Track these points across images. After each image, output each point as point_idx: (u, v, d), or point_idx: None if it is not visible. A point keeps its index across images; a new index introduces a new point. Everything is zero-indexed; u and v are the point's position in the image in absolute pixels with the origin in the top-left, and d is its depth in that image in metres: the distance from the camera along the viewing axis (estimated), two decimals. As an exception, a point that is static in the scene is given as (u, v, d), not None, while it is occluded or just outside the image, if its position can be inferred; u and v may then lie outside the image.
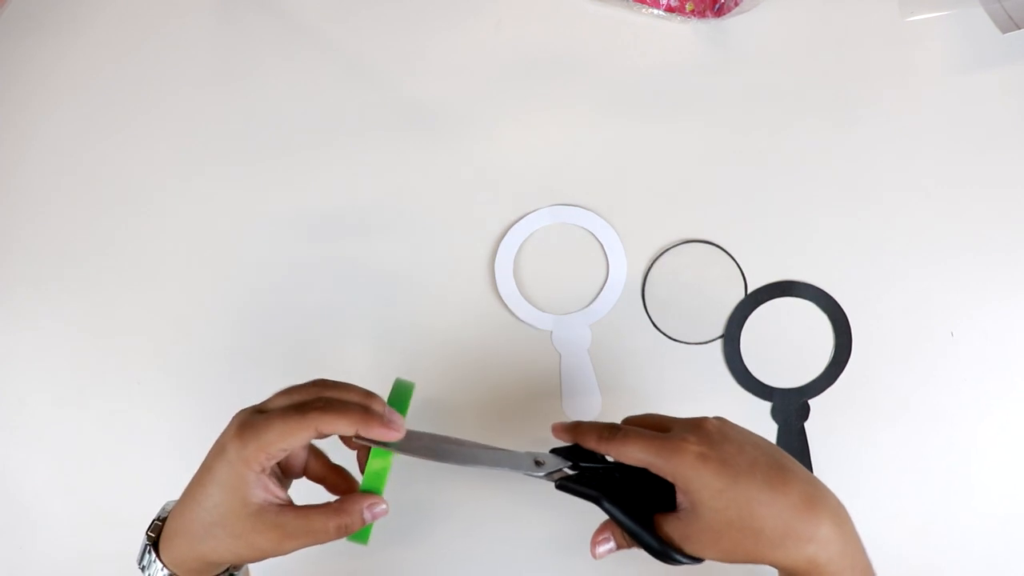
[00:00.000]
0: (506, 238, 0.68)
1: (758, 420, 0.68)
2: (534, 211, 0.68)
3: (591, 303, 0.69)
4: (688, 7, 0.68)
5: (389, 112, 0.69)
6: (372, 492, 0.51)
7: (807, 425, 0.68)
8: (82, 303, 0.69)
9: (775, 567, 0.49)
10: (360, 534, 0.50)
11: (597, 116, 0.69)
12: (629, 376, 0.68)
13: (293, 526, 0.49)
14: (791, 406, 0.68)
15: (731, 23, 0.69)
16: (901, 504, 0.68)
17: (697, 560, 0.50)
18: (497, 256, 0.68)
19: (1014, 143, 0.68)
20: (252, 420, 0.49)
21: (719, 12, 0.68)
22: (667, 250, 0.69)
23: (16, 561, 0.69)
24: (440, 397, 0.68)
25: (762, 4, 0.68)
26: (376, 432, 0.49)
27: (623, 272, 0.68)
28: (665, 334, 0.68)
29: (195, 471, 0.50)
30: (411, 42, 0.70)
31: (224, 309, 0.68)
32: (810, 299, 0.68)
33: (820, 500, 0.49)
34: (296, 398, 0.50)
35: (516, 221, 0.68)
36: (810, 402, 0.68)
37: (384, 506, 0.51)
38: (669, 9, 0.68)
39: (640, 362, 0.69)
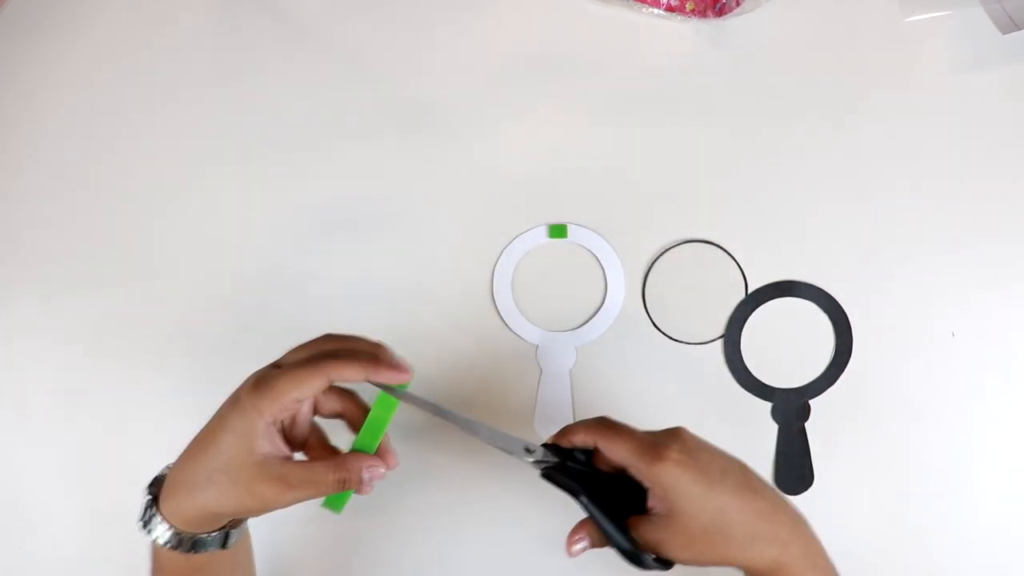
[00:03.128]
0: (509, 247, 0.68)
1: (758, 420, 0.68)
2: (537, 226, 0.68)
3: (581, 326, 0.69)
4: (688, 7, 0.68)
5: (389, 112, 0.69)
6: (367, 447, 0.52)
7: (807, 425, 0.68)
8: (82, 303, 0.69)
9: (742, 568, 0.52)
10: (336, 500, 0.52)
11: (597, 115, 0.69)
12: (625, 381, 0.68)
13: (296, 477, 0.51)
14: (791, 406, 0.68)
15: (732, 23, 0.69)
16: (901, 504, 0.68)
17: (666, 565, 0.52)
18: (499, 262, 0.68)
19: (1014, 143, 0.68)
20: (267, 374, 0.51)
21: (720, 12, 0.68)
22: (667, 250, 0.69)
23: (16, 561, 0.69)
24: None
25: (763, 4, 0.68)
26: (385, 375, 0.52)
27: (619, 299, 0.68)
28: (665, 334, 0.68)
29: (198, 434, 0.52)
30: (411, 42, 0.70)
31: (224, 309, 0.68)
32: (810, 299, 0.68)
33: (781, 507, 0.53)
34: (307, 352, 0.52)
35: (519, 235, 0.68)
36: (810, 402, 0.68)
37: (382, 470, 0.52)
38: (669, 9, 0.68)
39: (637, 368, 0.69)
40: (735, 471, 0.53)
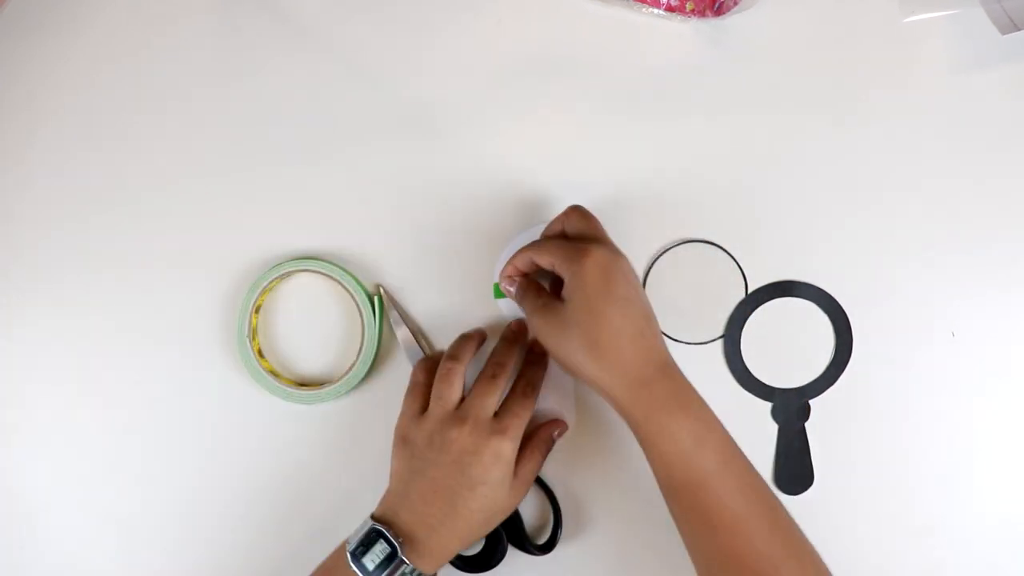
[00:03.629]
0: (509, 245, 0.68)
1: (758, 420, 0.68)
2: (536, 225, 0.68)
3: None
4: (688, 6, 0.68)
5: (389, 112, 0.69)
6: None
7: (807, 425, 0.68)
8: (82, 302, 0.69)
9: (598, 387, 0.57)
10: None
11: (597, 115, 0.69)
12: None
13: (529, 472, 0.62)
14: (791, 406, 0.68)
15: (732, 23, 0.69)
16: (901, 504, 0.68)
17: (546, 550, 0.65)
18: (499, 260, 0.68)
19: (1014, 143, 0.68)
20: (509, 422, 0.59)
21: (719, 11, 0.68)
22: (667, 250, 0.69)
23: (16, 561, 0.69)
24: None
25: (762, 2, 0.68)
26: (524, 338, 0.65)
27: None
28: (665, 334, 0.68)
29: (456, 499, 0.58)
30: (411, 42, 0.70)
31: (224, 309, 0.68)
32: (810, 299, 0.68)
33: (665, 349, 0.58)
34: (490, 385, 0.61)
35: (519, 233, 0.68)
36: (810, 402, 0.68)
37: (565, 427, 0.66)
38: (669, 9, 0.68)
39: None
40: (641, 305, 0.57)
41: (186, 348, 0.69)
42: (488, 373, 0.61)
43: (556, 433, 0.65)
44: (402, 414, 0.63)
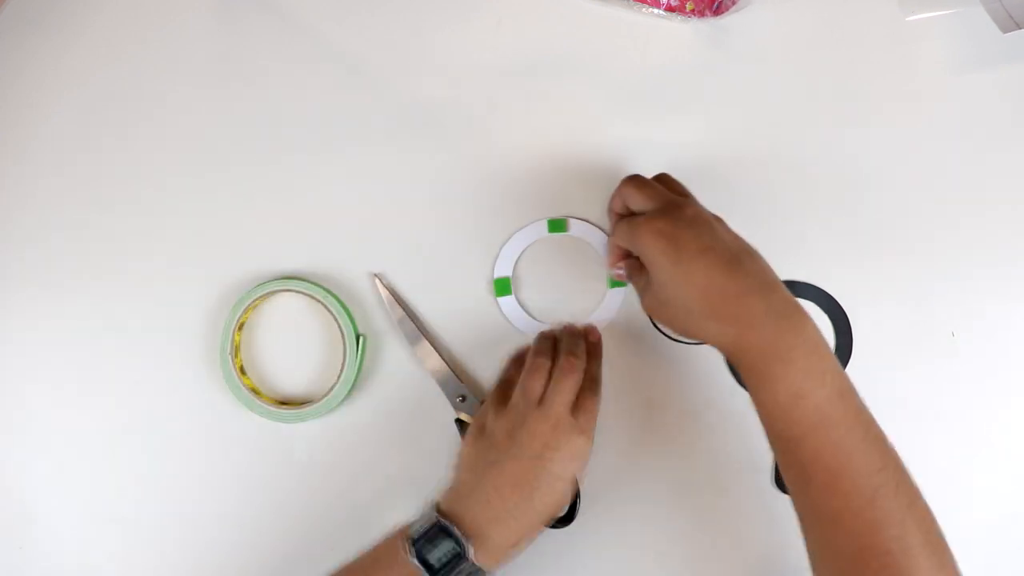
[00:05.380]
0: (510, 241, 0.68)
1: (758, 420, 0.68)
2: (537, 221, 0.68)
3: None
4: (688, 6, 0.68)
5: (389, 111, 0.69)
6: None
7: (807, 425, 0.68)
8: (82, 303, 0.69)
9: (709, 343, 0.56)
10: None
11: (597, 115, 0.69)
12: (626, 381, 0.68)
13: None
14: (791, 406, 0.68)
15: (732, 23, 0.69)
16: (901, 504, 0.68)
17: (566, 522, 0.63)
18: (499, 256, 0.68)
19: (1014, 143, 0.68)
20: (586, 420, 0.59)
21: (718, 11, 0.68)
22: (667, 250, 0.68)
23: (16, 561, 0.69)
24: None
25: (761, 2, 0.68)
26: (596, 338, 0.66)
27: (620, 295, 0.68)
28: (665, 334, 0.68)
29: (534, 494, 0.57)
30: (411, 42, 0.70)
31: (223, 309, 0.68)
32: (810, 299, 0.68)
33: (755, 291, 0.54)
34: (568, 380, 0.60)
35: (519, 229, 0.68)
36: (810, 402, 0.68)
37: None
38: (669, 8, 0.68)
39: (637, 367, 0.68)
40: (719, 250, 0.54)
41: (187, 347, 0.69)
42: (565, 367, 0.60)
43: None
44: (485, 405, 0.63)
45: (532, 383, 0.60)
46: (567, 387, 0.59)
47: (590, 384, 0.61)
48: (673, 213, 0.56)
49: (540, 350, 0.62)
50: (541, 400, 0.59)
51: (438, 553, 0.55)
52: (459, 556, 0.55)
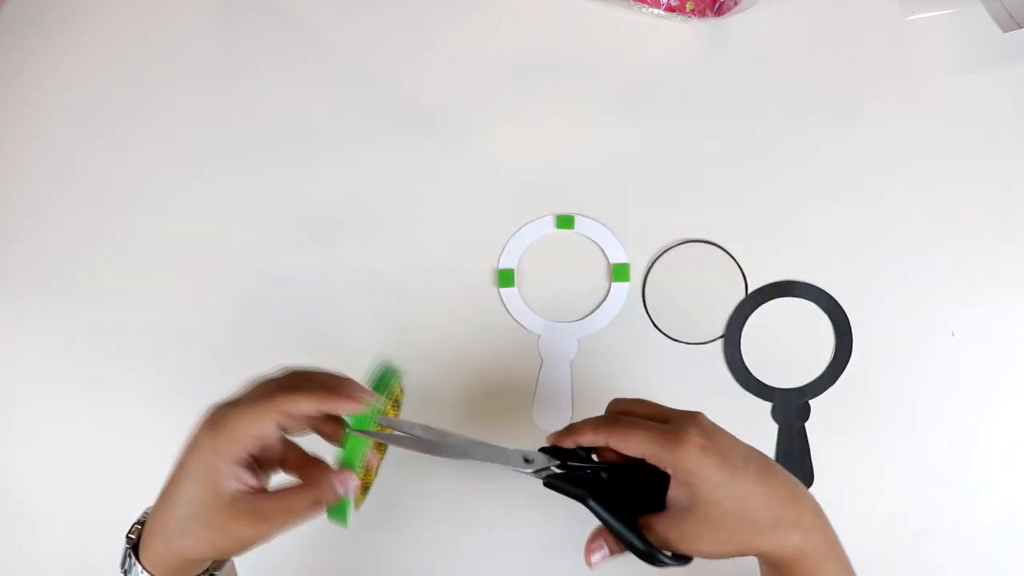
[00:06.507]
0: (516, 235, 0.68)
1: (758, 420, 0.68)
2: (544, 216, 0.68)
3: (584, 317, 0.68)
4: (688, 6, 0.68)
5: (390, 111, 0.69)
6: (349, 465, 0.51)
7: (807, 425, 0.68)
8: (82, 303, 0.69)
9: (765, 557, 0.51)
10: (338, 511, 0.51)
11: (597, 115, 0.69)
12: (626, 381, 0.68)
13: (269, 508, 0.50)
14: (791, 406, 0.68)
15: (732, 23, 0.69)
16: (901, 504, 0.68)
17: (684, 560, 0.51)
18: (504, 250, 0.68)
19: (1014, 142, 0.68)
20: (222, 412, 0.50)
21: (719, 11, 0.68)
22: (667, 250, 0.68)
23: (16, 561, 0.69)
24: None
25: (763, 3, 0.68)
26: (343, 406, 0.50)
27: (623, 293, 0.68)
28: (665, 334, 0.68)
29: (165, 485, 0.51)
30: (411, 42, 0.70)
31: (224, 309, 0.68)
32: (810, 299, 0.68)
33: (801, 493, 0.51)
34: (264, 387, 0.51)
35: (526, 223, 0.68)
36: (810, 402, 0.68)
37: (355, 481, 0.51)
38: (669, 8, 0.68)
39: (637, 367, 0.68)
40: (756, 457, 0.52)
41: (187, 347, 0.69)
42: (281, 380, 0.52)
43: (340, 487, 0.52)
44: None
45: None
46: (253, 387, 0.52)
47: (267, 395, 0.50)
48: (697, 426, 0.51)
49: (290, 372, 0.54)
50: None
51: (123, 557, 0.52)
52: (126, 553, 0.52)
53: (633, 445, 0.51)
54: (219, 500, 0.49)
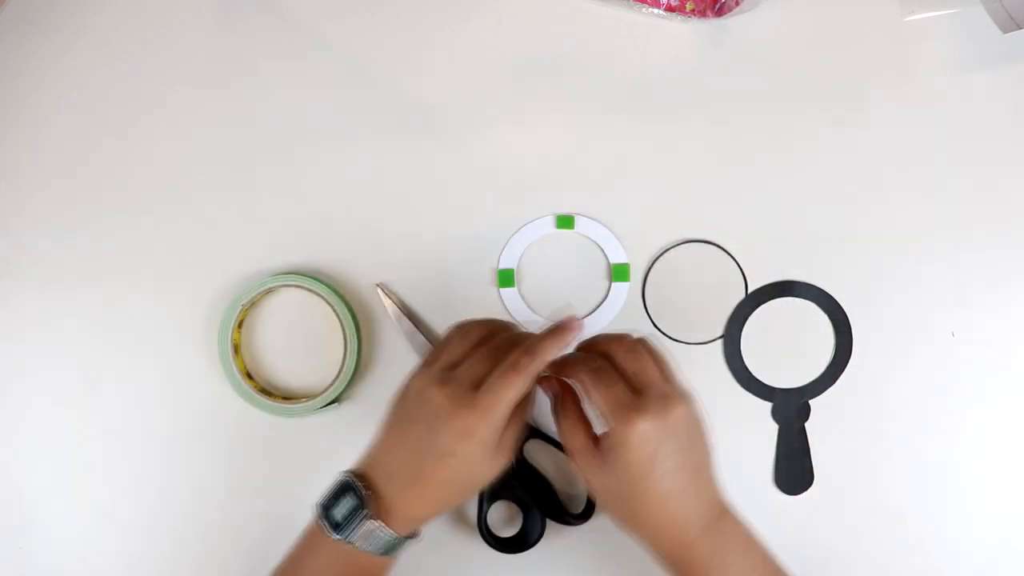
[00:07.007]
0: (516, 235, 0.68)
1: (758, 420, 0.68)
2: (544, 216, 0.68)
3: (584, 318, 0.68)
4: (688, 6, 0.68)
5: (389, 112, 0.69)
6: None
7: (807, 425, 0.68)
8: (82, 303, 0.69)
9: (650, 550, 0.55)
10: None
11: (597, 115, 0.69)
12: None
13: (508, 441, 0.55)
14: (791, 406, 0.68)
15: (732, 22, 0.69)
16: (901, 504, 0.68)
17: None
18: (504, 250, 0.68)
19: (1014, 143, 0.68)
20: (482, 398, 0.52)
21: (720, 12, 0.68)
22: (667, 250, 0.69)
23: (16, 561, 0.69)
24: None
25: (763, 3, 0.68)
26: (569, 337, 0.55)
27: (623, 293, 0.68)
28: (665, 334, 0.68)
29: (423, 464, 0.53)
30: (411, 42, 0.70)
31: (223, 307, 0.68)
32: (810, 299, 0.68)
33: (716, 522, 0.54)
34: (490, 355, 0.54)
35: (526, 223, 0.68)
36: (811, 402, 0.68)
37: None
38: (669, 8, 0.68)
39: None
40: (690, 471, 0.53)
41: (187, 347, 0.69)
42: (495, 345, 0.55)
43: (550, 394, 0.58)
44: (417, 364, 0.59)
45: (453, 344, 0.56)
46: (481, 359, 0.54)
47: (513, 365, 0.53)
48: (663, 416, 0.52)
49: (486, 321, 0.58)
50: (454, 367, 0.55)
51: (341, 508, 0.53)
52: (358, 508, 0.53)
53: (595, 393, 0.53)
54: (498, 463, 0.55)
